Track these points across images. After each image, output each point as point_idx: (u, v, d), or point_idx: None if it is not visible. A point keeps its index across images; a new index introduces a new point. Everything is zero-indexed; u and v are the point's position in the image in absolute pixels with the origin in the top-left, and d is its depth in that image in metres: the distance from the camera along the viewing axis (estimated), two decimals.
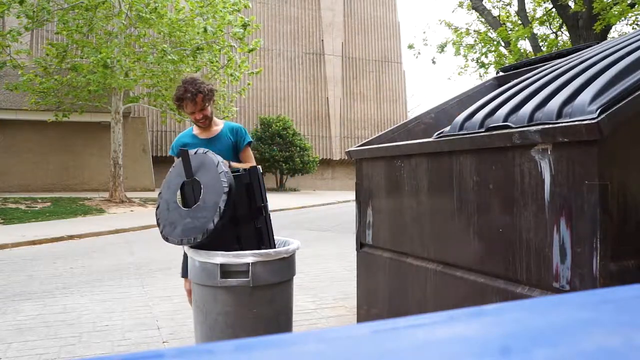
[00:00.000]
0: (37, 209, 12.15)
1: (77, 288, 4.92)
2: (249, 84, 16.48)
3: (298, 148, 20.97)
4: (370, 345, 0.42)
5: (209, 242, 2.32)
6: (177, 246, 2.50)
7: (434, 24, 67.18)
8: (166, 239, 2.42)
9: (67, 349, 3.20)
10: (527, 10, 13.71)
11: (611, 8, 10.15)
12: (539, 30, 15.00)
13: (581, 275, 1.61)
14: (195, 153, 2.51)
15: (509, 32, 13.16)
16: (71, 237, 8.72)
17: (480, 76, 16.04)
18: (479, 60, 15.54)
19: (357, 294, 3.10)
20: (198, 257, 2.32)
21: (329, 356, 0.39)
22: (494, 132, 1.92)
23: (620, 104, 1.61)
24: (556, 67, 2.24)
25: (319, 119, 24.48)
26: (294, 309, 2.63)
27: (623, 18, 11.01)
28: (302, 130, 23.12)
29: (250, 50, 13.67)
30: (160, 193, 2.56)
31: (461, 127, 2.15)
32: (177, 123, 17.82)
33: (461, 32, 15.68)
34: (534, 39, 12.83)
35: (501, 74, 3.92)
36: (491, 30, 14.36)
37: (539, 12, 14.97)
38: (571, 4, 10.92)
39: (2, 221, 10.33)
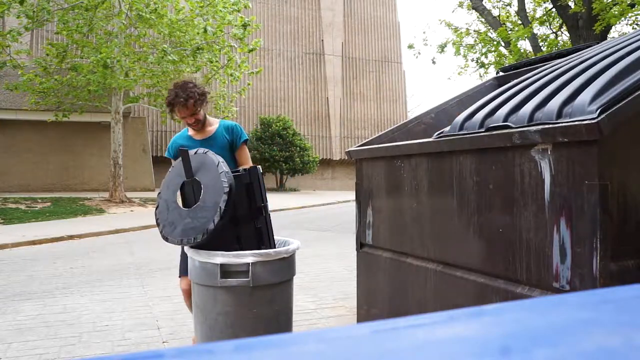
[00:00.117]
0: (37, 209, 12.15)
1: (77, 288, 4.92)
2: (249, 84, 16.48)
3: (298, 148, 20.97)
4: (370, 345, 0.42)
5: (209, 242, 2.32)
6: (177, 246, 2.50)
7: (434, 24, 67.28)
8: (166, 239, 2.42)
9: (67, 349, 3.20)
10: (527, 10, 13.71)
11: (611, 8, 10.15)
12: (539, 30, 15.01)
13: (581, 275, 1.61)
14: (196, 153, 2.51)
15: (509, 32, 13.15)
16: (71, 237, 8.72)
17: (480, 76, 16.05)
18: (479, 60, 15.53)
19: (357, 294, 3.10)
20: (198, 257, 2.32)
21: (329, 356, 0.39)
22: (494, 132, 1.92)
23: (620, 104, 1.61)
24: (556, 67, 2.24)
25: (319, 119, 24.49)
26: (294, 309, 2.63)
27: (623, 18, 11.01)
28: (302, 130, 23.12)
29: (250, 50, 13.67)
30: (159, 193, 2.56)
31: (461, 127, 2.15)
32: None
33: (461, 32, 15.67)
34: (534, 39, 12.83)
35: (501, 74, 3.92)
36: (491, 30, 14.36)
37: (539, 12, 14.97)
38: (571, 4, 10.92)
39: (2, 221, 10.33)
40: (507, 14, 15.70)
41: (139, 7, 12.16)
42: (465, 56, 15.94)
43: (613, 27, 11.04)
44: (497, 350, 0.39)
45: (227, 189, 2.31)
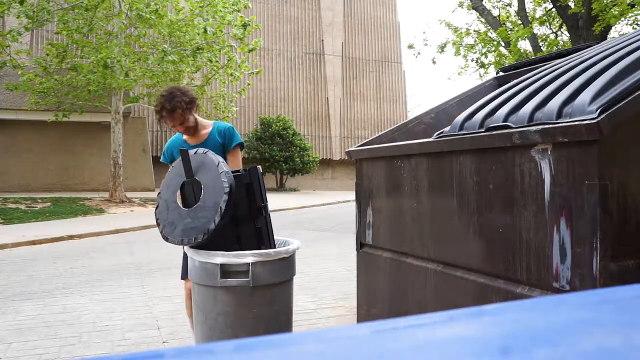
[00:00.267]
0: (37, 209, 12.15)
1: (77, 288, 4.92)
2: (249, 84, 16.48)
3: (298, 148, 20.97)
4: (370, 345, 0.42)
5: (209, 242, 2.32)
6: (177, 246, 2.50)
7: (434, 24, 67.27)
8: (166, 239, 2.42)
9: (67, 349, 3.20)
10: (527, 10, 13.70)
11: (610, 9, 10.15)
12: (539, 30, 15.01)
13: (581, 275, 1.61)
14: (195, 153, 2.51)
15: (509, 32, 13.16)
16: (71, 237, 8.72)
17: (480, 76, 16.05)
18: (479, 61, 15.54)
19: (357, 294, 3.10)
20: (198, 257, 2.31)
21: (329, 356, 0.39)
22: (494, 132, 1.92)
23: (620, 104, 1.61)
24: (556, 67, 2.24)
25: (319, 119, 24.49)
26: (294, 309, 2.63)
27: (623, 18, 11.01)
28: (302, 130, 23.12)
29: (250, 50, 13.67)
30: (159, 193, 2.56)
31: (461, 127, 2.15)
32: None
33: (461, 32, 15.68)
34: (534, 39, 12.83)
35: (501, 74, 3.92)
36: (491, 30, 14.36)
37: (539, 12, 14.97)
38: (571, 4, 10.92)
39: (2, 221, 10.33)
40: (507, 14, 15.70)
41: (139, 7, 12.16)
42: (465, 56, 15.94)
43: (613, 27, 11.04)
44: (497, 350, 0.39)
45: (227, 189, 2.31)
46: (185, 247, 2.48)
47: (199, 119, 2.92)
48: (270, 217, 2.64)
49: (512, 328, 0.45)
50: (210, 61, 13.76)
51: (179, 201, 2.49)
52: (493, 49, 14.73)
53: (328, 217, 12.16)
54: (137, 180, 17.82)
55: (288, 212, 13.23)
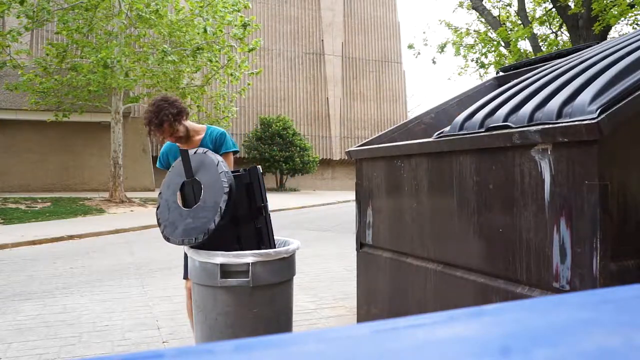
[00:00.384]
0: (37, 209, 12.15)
1: (77, 288, 4.92)
2: (249, 84, 16.49)
3: (298, 148, 20.98)
4: (370, 345, 0.42)
5: (209, 242, 2.32)
6: (177, 246, 2.50)
7: (434, 24, 67.26)
8: (167, 239, 2.42)
9: (67, 349, 3.20)
10: (527, 10, 13.70)
11: (610, 9, 10.15)
12: (539, 30, 15.01)
13: (581, 275, 1.61)
14: (195, 153, 2.51)
15: (509, 32, 13.15)
16: (71, 237, 8.72)
17: (480, 76, 16.04)
18: (479, 61, 15.53)
19: (357, 294, 3.10)
20: (198, 257, 2.32)
21: (329, 356, 0.39)
22: (494, 132, 1.92)
23: (620, 104, 1.61)
24: (556, 67, 2.24)
25: (319, 119, 24.49)
26: (293, 309, 2.63)
27: (622, 18, 11.01)
28: (302, 130, 23.13)
29: (250, 50, 13.68)
30: (160, 193, 2.56)
31: (461, 127, 2.15)
32: None
33: (461, 32, 15.68)
34: (534, 39, 12.83)
35: (501, 74, 3.92)
36: (491, 30, 14.36)
37: (539, 12, 14.97)
38: (571, 4, 10.92)
39: (2, 221, 10.33)
40: (507, 14, 15.70)
41: (139, 7, 12.16)
42: (465, 56, 15.94)
43: (613, 27, 11.04)
44: (497, 350, 0.39)
45: (227, 189, 2.31)
46: (185, 247, 2.48)
47: (191, 125, 2.87)
48: (270, 217, 2.64)
49: (512, 328, 0.45)
50: (210, 61, 13.76)
51: (179, 201, 2.49)
52: (493, 49, 14.73)
53: (328, 217, 12.16)
54: (137, 180, 17.83)
55: (288, 212, 13.23)
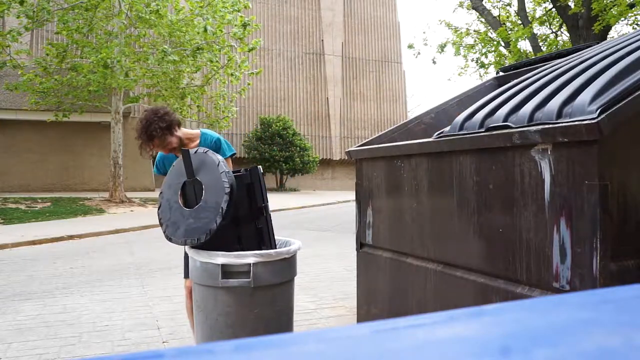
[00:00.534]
0: (37, 209, 12.15)
1: (77, 288, 4.92)
2: (249, 84, 16.48)
3: (298, 148, 20.98)
4: (370, 345, 0.42)
5: (210, 242, 2.32)
6: (177, 246, 2.50)
7: (434, 24, 67.21)
8: (169, 239, 2.42)
9: (67, 349, 3.20)
10: (527, 10, 13.70)
11: (610, 9, 10.15)
12: (539, 30, 15.00)
13: (581, 275, 1.61)
14: (196, 152, 2.51)
15: (509, 32, 13.15)
16: (71, 237, 8.72)
17: (480, 76, 16.04)
18: (479, 61, 15.53)
19: (357, 294, 3.10)
20: (199, 258, 2.31)
21: (329, 356, 0.39)
22: (494, 132, 1.92)
23: (620, 104, 1.61)
24: (556, 67, 2.24)
25: (319, 119, 24.49)
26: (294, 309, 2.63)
27: (622, 18, 11.00)
28: (302, 130, 23.12)
29: (250, 50, 13.67)
30: (161, 192, 2.56)
31: (461, 127, 2.15)
32: None
33: (461, 32, 15.67)
34: (534, 39, 12.83)
35: (501, 74, 3.92)
36: (491, 30, 14.36)
37: (539, 12, 14.97)
38: (571, 4, 10.92)
39: (2, 221, 10.33)
40: (507, 14, 15.69)
41: (139, 8, 12.16)
42: (465, 56, 15.93)
43: (613, 27, 11.04)
44: (497, 350, 0.39)
45: (228, 189, 2.31)
46: (186, 247, 2.48)
47: (185, 132, 2.83)
48: (271, 217, 2.64)
49: (512, 328, 0.45)
50: (211, 61, 13.76)
51: (181, 201, 2.49)
52: (493, 49, 14.73)
53: (328, 217, 12.16)
54: (137, 180, 17.83)
55: (288, 212, 13.23)
